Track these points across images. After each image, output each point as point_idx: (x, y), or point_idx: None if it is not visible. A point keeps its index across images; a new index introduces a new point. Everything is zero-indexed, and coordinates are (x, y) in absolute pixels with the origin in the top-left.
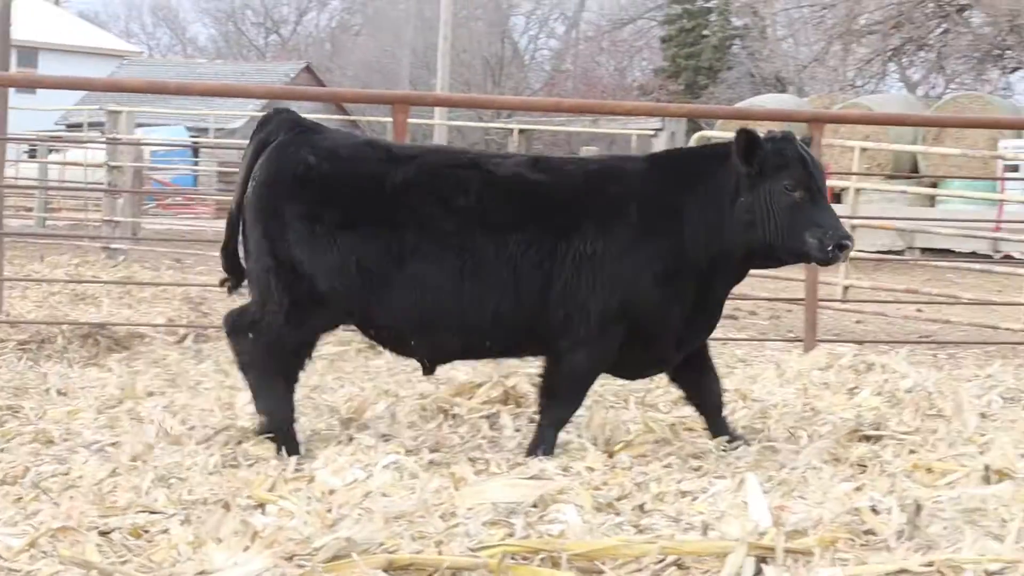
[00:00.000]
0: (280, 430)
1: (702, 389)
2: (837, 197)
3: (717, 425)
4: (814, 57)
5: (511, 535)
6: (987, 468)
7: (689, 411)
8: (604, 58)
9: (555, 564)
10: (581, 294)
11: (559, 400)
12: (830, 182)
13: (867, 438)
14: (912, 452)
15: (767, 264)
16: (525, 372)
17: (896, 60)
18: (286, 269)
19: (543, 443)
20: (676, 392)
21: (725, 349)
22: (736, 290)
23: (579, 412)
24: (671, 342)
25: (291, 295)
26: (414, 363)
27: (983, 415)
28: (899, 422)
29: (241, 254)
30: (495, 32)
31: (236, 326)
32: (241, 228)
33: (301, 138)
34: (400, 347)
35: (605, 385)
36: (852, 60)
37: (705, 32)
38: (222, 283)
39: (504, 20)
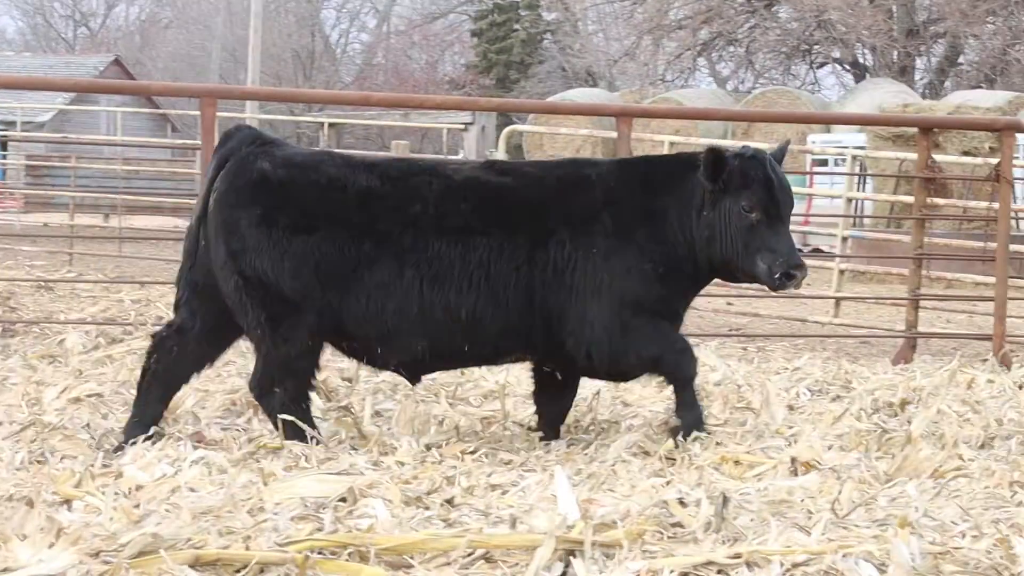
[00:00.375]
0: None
1: (558, 402)
2: None
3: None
4: (624, 52)
5: (319, 530)
6: (794, 460)
7: (497, 405)
8: (416, 52)
9: (363, 559)
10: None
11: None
12: None
13: (676, 431)
14: (719, 445)
15: (732, 279)
16: (336, 367)
17: (706, 55)
18: (254, 283)
19: (686, 426)
20: (486, 386)
21: None
22: None
23: (390, 406)
24: None
25: (265, 309)
26: (226, 358)
27: (791, 407)
28: (708, 415)
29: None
30: (305, 26)
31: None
32: (202, 245)
33: (259, 150)
34: (371, 356)
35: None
36: (662, 55)
37: (516, 27)
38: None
39: (315, 13)
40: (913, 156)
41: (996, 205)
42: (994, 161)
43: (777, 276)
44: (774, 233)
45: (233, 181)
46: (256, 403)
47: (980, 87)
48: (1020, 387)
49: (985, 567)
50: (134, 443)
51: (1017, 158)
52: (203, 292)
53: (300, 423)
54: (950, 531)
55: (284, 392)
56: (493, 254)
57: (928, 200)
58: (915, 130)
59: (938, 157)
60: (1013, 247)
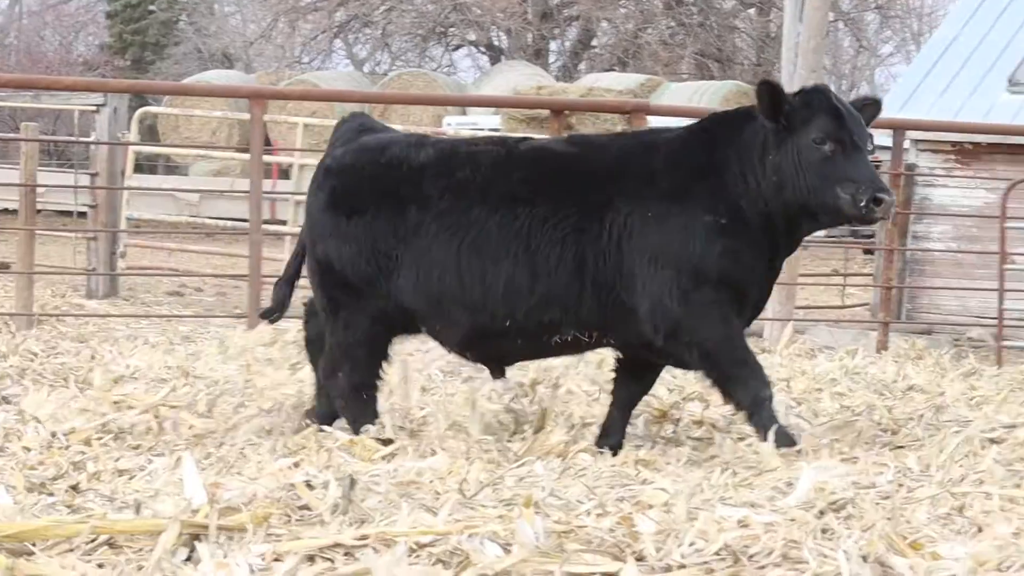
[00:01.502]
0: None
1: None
2: (285, 173)
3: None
4: (260, 33)
5: None
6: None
7: (128, 388)
8: (49, 33)
9: None
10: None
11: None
12: (278, 158)
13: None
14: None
15: (814, 225)
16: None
17: (342, 37)
18: (323, 267)
19: (763, 428)
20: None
21: (169, 326)
22: (181, 266)
23: (18, 391)
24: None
25: (326, 291)
26: None
27: (423, 389)
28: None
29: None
30: None
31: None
32: None
33: (352, 140)
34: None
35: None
36: (298, 37)
37: (152, 7)
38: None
39: None
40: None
41: None
42: None
43: (863, 204)
44: (851, 162)
45: (319, 171)
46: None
47: (613, 70)
48: None
49: (608, 544)
50: None
51: None
52: None
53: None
54: (575, 509)
55: (345, 378)
56: (556, 224)
57: None
58: (548, 112)
59: None
60: None
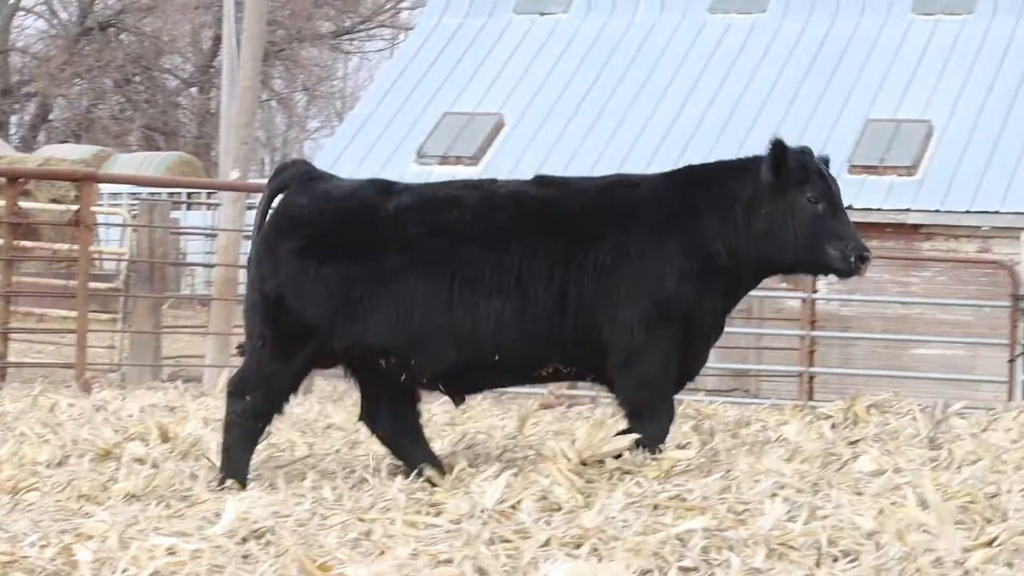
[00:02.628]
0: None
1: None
2: None
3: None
4: None
5: None
6: None
7: None
8: None
9: None
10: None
11: None
12: None
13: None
14: None
15: (787, 272)
16: None
17: None
18: (270, 303)
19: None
20: None
21: None
22: None
23: None
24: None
25: (270, 326)
26: None
27: None
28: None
29: None
30: None
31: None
32: None
33: (305, 185)
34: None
35: None
36: None
37: None
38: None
39: None
40: (2, 203)
41: (77, 247)
42: (75, 208)
43: (852, 260)
44: (838, 221)
45: (276, 215)
46: None
47: (69, 141)
48: (97, 409)
49: (49, 572)
50: None
51: (101, 204)
52: None
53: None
54: (21, 541)
55: (252, 401)
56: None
57: (17, 243)
58: (4, 180)
59: (28, 204)
60: (93, 285)
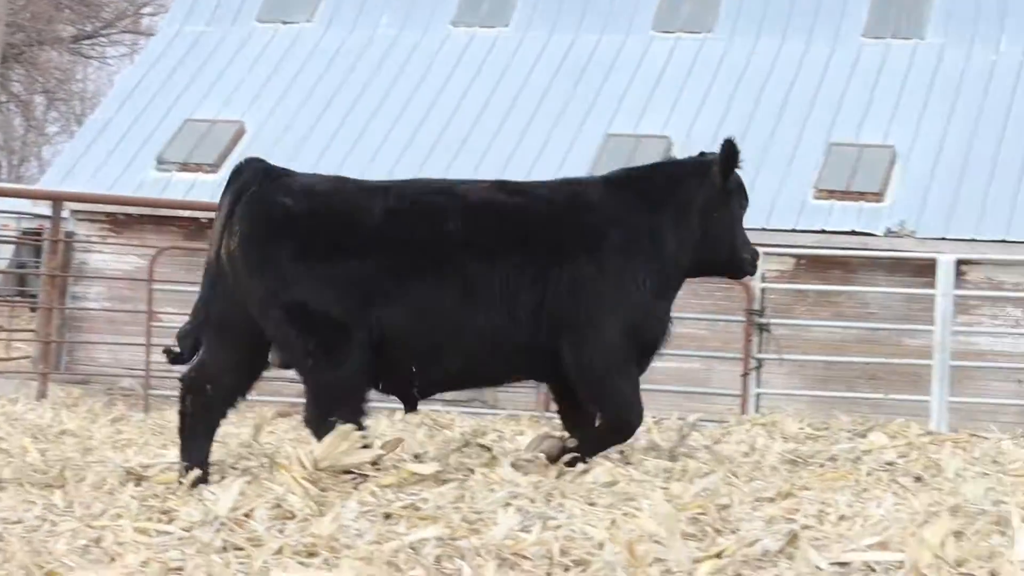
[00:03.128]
0: None
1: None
2: None
3: None
4: None
5: None
6: None
7: None
8: None
9: None
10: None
11: None
12: None
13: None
14: None
15: (709, 274)
16: None
17: None
18: (299, 313)
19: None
20: None
21: None
22: None
23: None
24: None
25: (309, 334)
26: None
27: None
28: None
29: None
30: None
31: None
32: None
33: (274, 185)
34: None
35: None
36: None
37: None
38: (168, 352)
39: None
40: None
41: None
42: None
43: (754, 264)
44: (742, 227)
45: (257, 222)
46: None
47: None
48: None
49: None
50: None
51: None
52: (227, 326)
53: None
54: None
55: (341, 420)
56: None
57: None
58: None
59: None
60: None
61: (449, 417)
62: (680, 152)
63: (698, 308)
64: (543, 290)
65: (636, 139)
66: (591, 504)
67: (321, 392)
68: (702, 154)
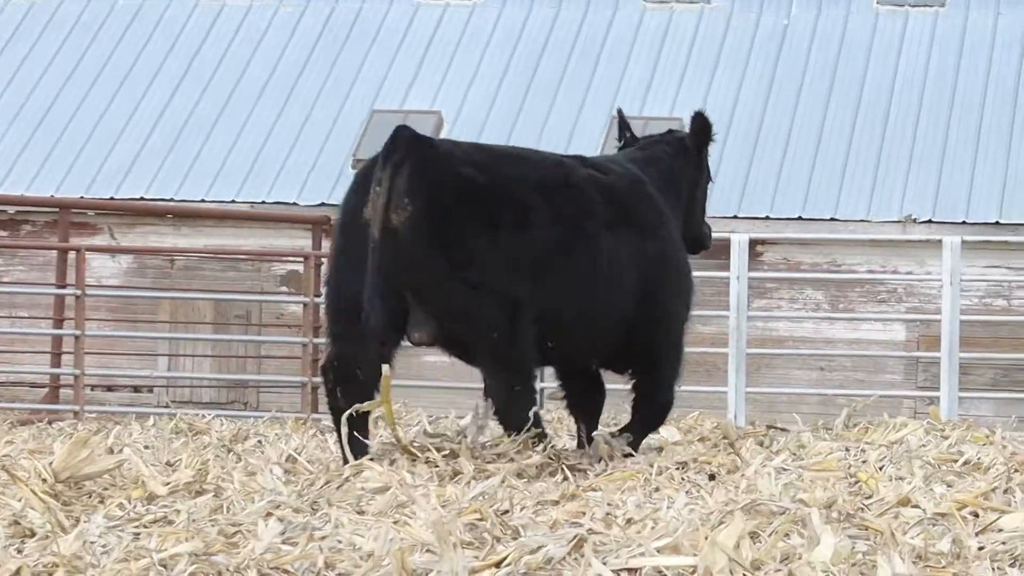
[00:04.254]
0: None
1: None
2: None
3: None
4: None
5: None
6: None
7: None
8: None
9: None
10: None
11: None
12: None
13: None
14: None
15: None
16: None
17: None
18: (483, 287)
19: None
20: None
21: None
22: None
23: None
24: None
25: (505, 313)
26: None
27: None
28: None
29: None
30: None
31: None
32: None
33: (443, 155)
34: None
35: None
36: None
37: None
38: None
39: None
40: None
41: None
42: None
43: (711, 238)
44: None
45: (435, 192)
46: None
47: None
48: None
49: None
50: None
51: None
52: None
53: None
54: None
55: (523, 394)
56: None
57: None
58: None
59: None
60: None
61: (205, 422)
62: (451, 128)
63: None
64: (642, 264)
65: (404, 114)
66: (360, 512)
67: (505, 365)
68: (670, 131)
